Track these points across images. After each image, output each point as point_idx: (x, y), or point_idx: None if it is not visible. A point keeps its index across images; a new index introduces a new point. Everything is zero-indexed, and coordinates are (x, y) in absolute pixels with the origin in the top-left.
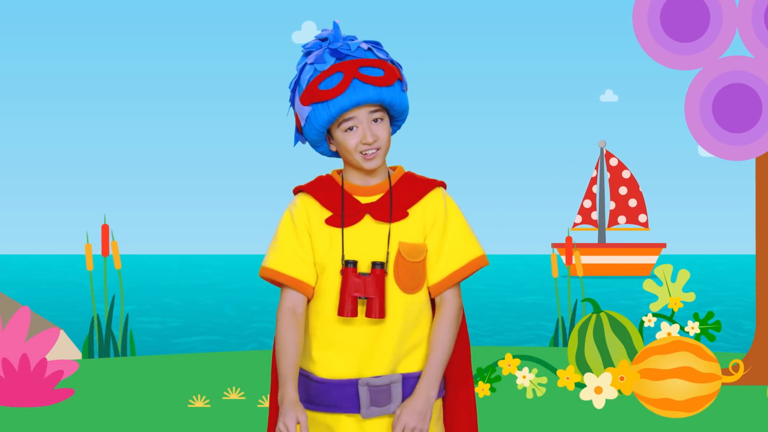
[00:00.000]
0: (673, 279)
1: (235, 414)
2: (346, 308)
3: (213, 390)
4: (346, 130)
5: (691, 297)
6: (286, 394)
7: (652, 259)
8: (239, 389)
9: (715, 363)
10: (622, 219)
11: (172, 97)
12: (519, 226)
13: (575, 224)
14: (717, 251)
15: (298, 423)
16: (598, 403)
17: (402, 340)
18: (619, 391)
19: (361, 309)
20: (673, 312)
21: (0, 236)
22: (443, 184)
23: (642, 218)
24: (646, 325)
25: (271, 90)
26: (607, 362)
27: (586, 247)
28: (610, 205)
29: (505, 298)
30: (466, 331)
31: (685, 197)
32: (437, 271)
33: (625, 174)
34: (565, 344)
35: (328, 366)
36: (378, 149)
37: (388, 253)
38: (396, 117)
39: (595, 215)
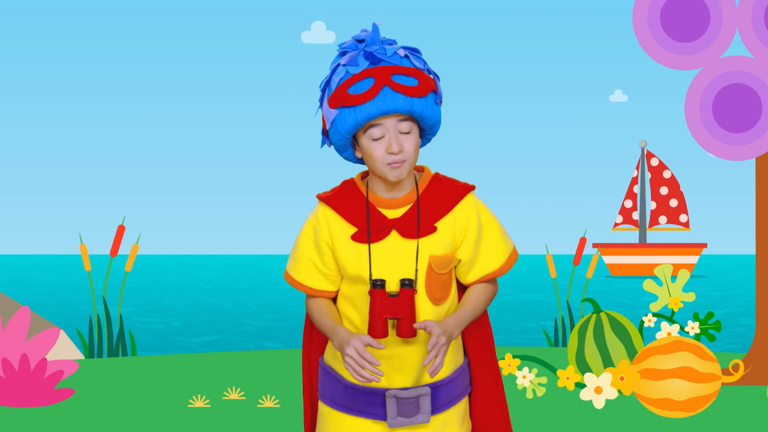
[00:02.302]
0: (674, 279)
1: (235, 414)
2: (377, 330)
3: (213, 390)
4: (372, 139)
5: (691, 297)
6: (341, 329)
7: (693, 259)
8: (239, 389)
9: (715, 363)
10: (663, 219)
11: (176, 97)
12: (538, 226)
13: (616, 224)
14: (717, 251)
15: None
16: (598, 403)
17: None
18: (619, 391)
19: (392, 329)
20: (673, 312)
21: (0, 236)
22: (472, 188)
23: (683, 218)
24: (646, 325)
25: (280, 90)
26: (607, 362)
27: (627, 247)
28: (651, 205)
29: (504, 297)
30: (490, 328)
31: (689, 198)
32: (473, 272)
33: (666, 174)
34: (565, 344)
35: None
36: (403, 161)
37: (416, 270)
38: (426, 129)
39: (636, 215)
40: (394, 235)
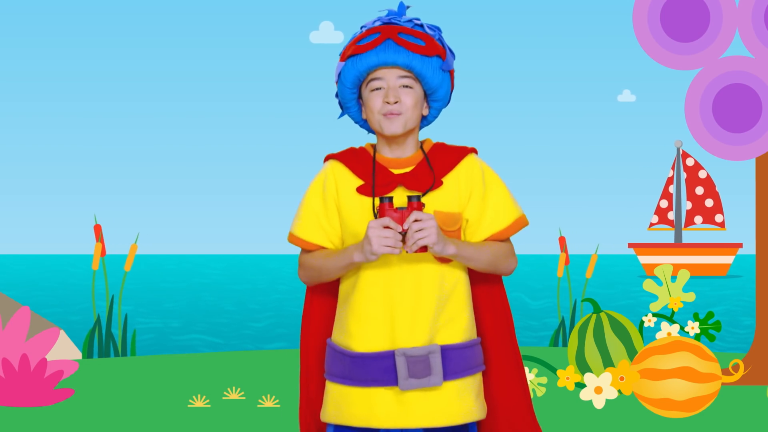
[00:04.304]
0: (674, 279)
1: (235, 414)
2: None
3: (213, 390)
4: (372, 90)
5: (691, 297)
6: (351, 245)
7: (728, 259)
8: (239, 389)
9: (715, 363)
10: (698, 219)
11: (179, 97)
12: (543, 227)
13: (651, 224)
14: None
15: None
16: (598, 403)
17: (439, 311)
18: (619, 391)
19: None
20: (673, 312)
21: (0, 236)
22: (475, 150)
23: (718, 218)
24: (646, 325)
25: (288, 90)
26: (607, 362)
27: (663, 247)
28: (687, 205)
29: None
30: (509, 309)
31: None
32: (480, 232)
33: (702, 174)
34: (565, 344)
35: (365, 339)
36: (399, 114)
37: None
38: (430, 94)
39: (671, 215)
40: (399, 191)
